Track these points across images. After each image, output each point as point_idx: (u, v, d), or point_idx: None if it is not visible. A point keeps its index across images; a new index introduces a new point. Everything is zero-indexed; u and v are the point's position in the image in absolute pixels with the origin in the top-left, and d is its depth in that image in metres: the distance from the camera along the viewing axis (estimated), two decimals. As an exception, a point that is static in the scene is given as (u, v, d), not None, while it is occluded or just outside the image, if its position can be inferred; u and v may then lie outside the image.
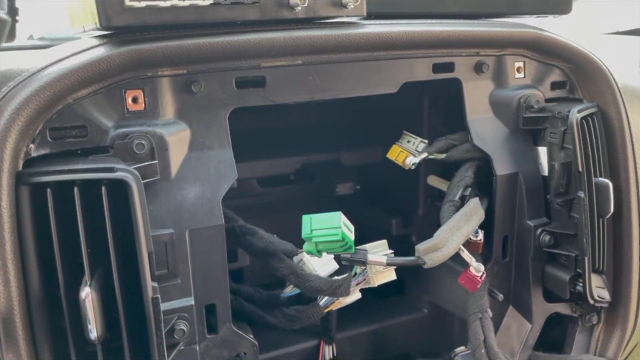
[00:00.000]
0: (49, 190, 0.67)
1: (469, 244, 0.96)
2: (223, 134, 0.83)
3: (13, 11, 0.80)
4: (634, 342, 1.15)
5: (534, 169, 1.03)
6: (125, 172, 0.68)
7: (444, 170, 1.16)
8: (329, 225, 0.79)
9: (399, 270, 0.88)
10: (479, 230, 0.97)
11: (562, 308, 1.08)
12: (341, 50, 0.88)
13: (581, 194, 0.95)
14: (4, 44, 0.87)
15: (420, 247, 0.84)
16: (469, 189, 0.99)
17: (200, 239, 0.79)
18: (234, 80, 0.83)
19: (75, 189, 0.67)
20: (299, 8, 0.81)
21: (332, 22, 0.89)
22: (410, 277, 1.27)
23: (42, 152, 0.72)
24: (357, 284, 0.88)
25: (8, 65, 0.75)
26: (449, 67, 0.98)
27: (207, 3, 0.76)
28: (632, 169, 1.03)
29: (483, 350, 0.96)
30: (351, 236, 0.81)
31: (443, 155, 1.03)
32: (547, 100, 1.04)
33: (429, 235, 0.87)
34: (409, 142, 1.06)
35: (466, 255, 0.91)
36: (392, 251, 0.86)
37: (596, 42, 1.17)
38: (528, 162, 1.03)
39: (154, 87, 0.78)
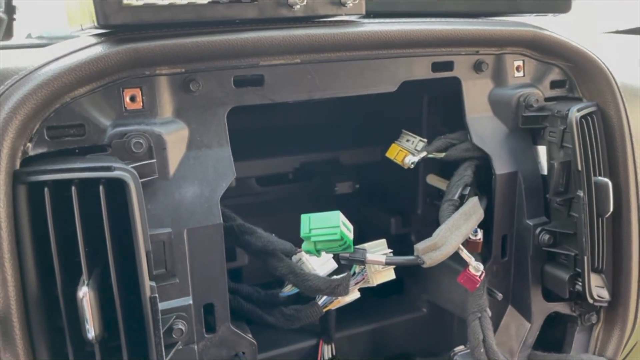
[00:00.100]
0: (46, 189, 0.67)
1: (468, 243, 0.96)
2: (221, 132, 0.83)
3: (10, 9, 0.80)
4: (633, 341, 1.15)
5: (533, 168, 1.03)
6: (123, 171, 0.68)
7: (443, 170, 1.16)
8: (328, 225, 0.79)
9: (398, 269, 0.88)
10: (478, 230, 0.97)
11: (562, 307, 1.08)
12: (340, 49, 0.87)
13: (580, 193, 0.95)
14: (2, 43, 0.87)
15: (420, 246, 0.84)
16: (468, 188, 0.98)
17: (198, 238, 0.79)
18: (232, 79, 0.83)
19: (73, 188, 0.67)
20: (298, 6, 0.81)
21: (331, 21, 0.89)
22: (409, 276, 1.27)
23: (40, 151, 0.72)
24: (356, 283, 0.88)
25: (5, 64, 0.75)
26: (448, 65, 0.97)
27: (205, 1, 0.76)
28: (631, 168, 1.03)
29: (482, 350, 0.96)
30: (350, 235, 0.81)
31: (442, 154, 1.03)
32: (547, 99, 1.04)
33: (428, 234, 0.87)
34: (408, 141, 1.06)
35: (465, 254, 0.91)
36: (391, 250, 0.86)
37: (596, 41, 1.16)
38: (527, 161, 1.02)
39: (152, 86, 0.78)
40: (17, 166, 0.69)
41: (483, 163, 1.02)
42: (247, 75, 0.84)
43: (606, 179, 0.96)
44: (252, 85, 0.84)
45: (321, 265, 0.88)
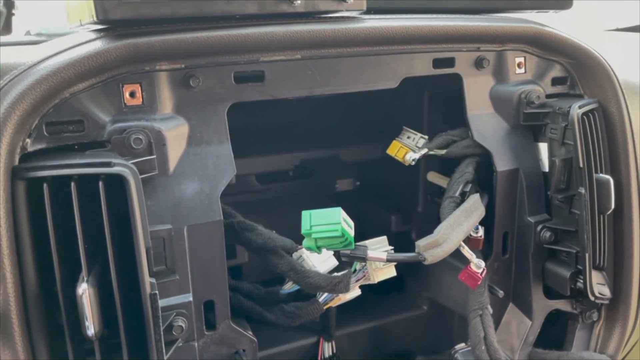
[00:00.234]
0: (45, 185, 0.66)
1: (469, 240, 0.95)
2: (221, 129, 0.82)
3: (9, 3, 0.79)
4: (634, 340, 1.15)
5: (535, 165, 1.02)
6: (122, 167, 0.67)
7: (443, 167, 1.15)
8: (329, 221, 0.78)
9: (399, 267, 0.87)
10: (479, 227, 0.97)
11: (563, 305, 1.07)
12: (341, 45, 0.87)
13: (582, 190, 0.95)
14: (0, 39, 0.87)
15: (421, 243, 0.84)
16: (469, 185, 0.98)
17: (198, 234, 0.79)
18: (232, 74, 0.82)
19: (72, 184, 0.66)
20: (299, 2, 0.80)
21: (331, 17, 0.88)
22: (410, 274, 1.26)
23: (39, 146, 0.71)
24: (357, 281, 0.87)
25: (4, 59, 0.74)
26: (449, 62, 0.97)
27: (205, -4, 0.75)
28: (632, 165, 1.02)
29: (483, 347, 0.95)
30: (351, 232, 0.80)
31: (443, 151, 1.03)
32: (548, 96, 1.03)
33: (429, 232, 0.86)
34: (409, 138, 1.05)
35: (466, 251, 0.90)
36: (392, 247, 0.85)
37: (597, 38, 1.16)
38: (528, 158, 1.02)
39: (152, 82, 0.77)
40: (16, 162, 0.69)
41: (484, 160, 1.01)
42: (247, 71, 0.83)
43: (608, 176, 0.96)
44: (252, 81, 0.84)
45: (322, 262, 0.88)
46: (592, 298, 0.99)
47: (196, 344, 0.82)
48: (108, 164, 0.67)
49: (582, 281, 0.98)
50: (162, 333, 0.69)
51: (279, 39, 0.81)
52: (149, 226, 0.70)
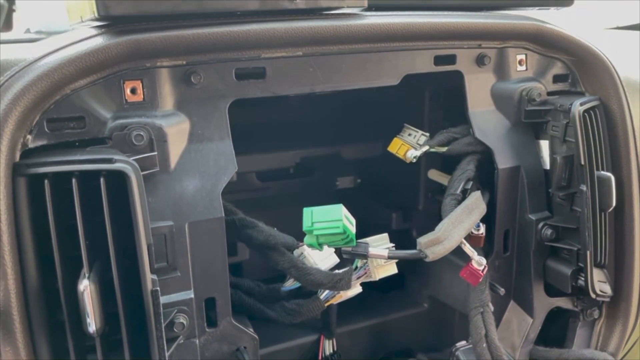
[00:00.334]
0: (46, 181, 0.66)
1: (470, 238, 0.95)
2: (223, 125, 0.82)
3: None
4: (635, 337, 1.15)
5: (536, 163, 1.02)
6: (124, 163, 0.67)
7: (444, 165, 1.15)
8: (330, 218, 0.78)
9: (400, 264, 0.87)
10: (481, 224, 0.97)
11: (564, 302, 1.07)
12: (342, 42, 0.87)
13: (583, 188, 0.94)
14: (0, 36, 0.86)
15: (422, 240, 0.84)
16: (471, 183, 0.98)
17: (200, 231, 0.79)
18: (233, 71, 0.82)
19: (73, 180, 0.66)
20: (300, -2, 0.80)
21: (333, 13, 0.88)
22: (411, 271, 1.26)
23: (40, 143, 0.71)
24: (358, 278, 0.87)
25: (5, 56, 0.74)
26: (451, 59, 0.97)
27: (206, -8, 0.75)
28: (634, 163, 1.02)
29: (484, 345, 0.95)
30: (352, 229, 0.80)
31: (444, 149, 1.02)
32: (549, 93, 1.03)
33: (429, 230, 0.86)
34: (410, 135, 1.05)
35: (468, 248, 0.90)
36: (393, 245, 0.85)
37: (598, 36, 1.16)
38: (530, 155, 1.02)
39: (153, 78, 0.77)
40: (17, 158, 0.69)
41: (485, 157, 1.01)
42: (248, 68, 0.83)
43: (609, 174, 0.96)
44: (253, 78, 0.84)
45: (323, 259, 0.88)
46: (593, 296, 0.99)
47: (197, 341, 0.81)
48: (109, 160, 0.67)
49: (583, 279, 0.98)
50: (163, 330, 0.69)
51: (280, 35, 0.81)
52: (150, 223, 0.70)
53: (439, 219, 0.90)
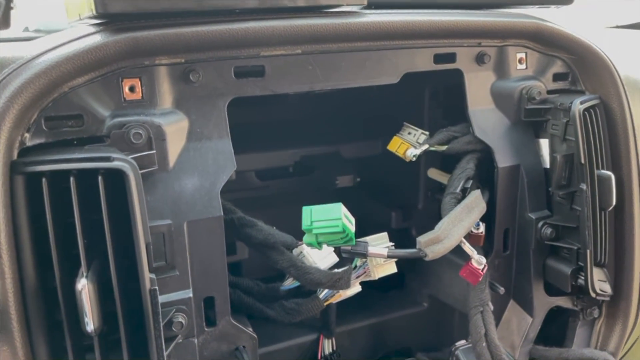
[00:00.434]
0: (44, 179, 0.66)
1: (470, 237, 0.95)
2: (222, 124, 0.82)
3: (8, -3, 0.79)
4: (635, 336, 1.14)
5: (536, 161, 1.02)
6: (122, 161, 0.67)
7: (444, 164, 1.15)
8: (330, 217, 0.78)
9: (399, 263, 0.87)
10: (481, 223, 0.96)
11: (563, 301, 1.07)
12: (342, 40, 0.86)
13: (583, 187, 0.94)
14: (-1, 34, 0.86)
15: (422, 239, 0.83)
16: (470, 181, 0.98)
17: (198, 230, 0.78)
18: (232, 69, 0.82)
19: (71, 179, 0.66)
20: (299, -4, 0.80)
21: (332, 11, 0.88)
22: (410, 270, 1.26)
23: (38, 141, 0.71)
24: (358, 277, 0.87)
25: (2, 53, 0.74)
26: (450, 57, 0.97)
27: (205, -10, 0.75)
28: (634, 162, 1.02)
29: (484, 344, 0.95)
30: (352, 228, 0.80)
31: (444, 147, 1.02)
32: (549, 92, 1.03)
33: (429, 228, 0.86)
34: (409, 133, 1.05)
35: (468, 247, 0.90)
36: (393, 244, 0.85)
37: (598, 35, 1.16)
38: (530, 154, 1.02)
39: (152, 76, 0.77)
40: (15, 156, 0.68)
41: (485, 156, 1.01)
42: (247, 66, 0.83)
43: (609, 172, 0.95)
44: (252, 76, 0.83)
45: (322, 258, 0.87)
46: (593, 295, 0.98)
47: (196, 340, 0.81)
48: (107, 159, 0.67)
49: (583, 278, 0.98)
50: (161, 329, 0.69)
51: (279, 33, 0.81)
52: (148, 221, 0.70)
53: (438, 217, 0.90)
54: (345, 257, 0.84)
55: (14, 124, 0.67)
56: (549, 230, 1.00)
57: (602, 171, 0.95)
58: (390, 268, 0.87)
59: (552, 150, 1.00)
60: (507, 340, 1.05)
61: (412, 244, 0.84)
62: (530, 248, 1.02)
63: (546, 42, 1.02)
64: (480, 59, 0.99)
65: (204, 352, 0.83)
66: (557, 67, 1.04)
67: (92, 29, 0.76)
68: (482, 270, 0.91)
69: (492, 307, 0.97)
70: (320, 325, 1.11)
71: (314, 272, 0.85)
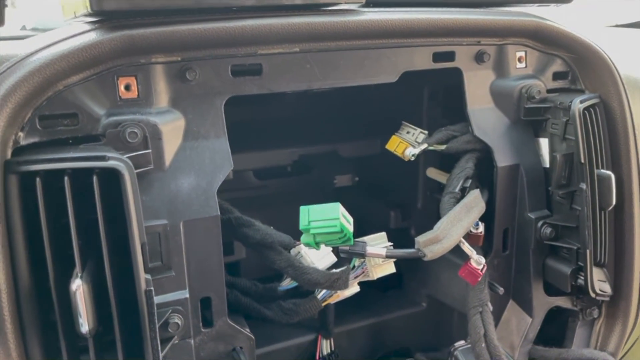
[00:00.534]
0: (38, 179, 0.65)
1: (469, 237, 0.94)
2: (218, 123, 0.81)
3: (2, -6, 0.78)
4: (635, 336, 1.14)
5: (535, 161, 1.01)
6: (117, 160, 0.66)
7: (443, 163, 1.14)
8: (328, 217, 0.77)
9: (398, 263, 0.86)
10: (480, 223, 0.96)
11: (563, 301, 1.06)
12: (340, 38, 0.86)
13: (583, 186, 0.94)
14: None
15: (421, 239, 0.83)
16: (470, 181, 0.97)
17: (195, 230, 0.78)
18: (229, 67, 0.81)
19: (66, 178, 0.65)
20: (297, -6, 0.79)
21: (330, 9, 0.87)
22: (409, 270, 1.25)
23: (32, 140, 0.70)
24: (356, 277, 0.86)
25: (-4, 52, 0.73)
26: (450, 56, 0.96)
27: (202, -13, 0.74)
28: (634, 161, 1.02)
29: (483, 345, 0.94)
30: (350, 228, 0.79)
31: (443, 147, 1.01)
32: (549, 91, 1.02)
33: (428, 228, 0.85)
34: (408, 133, 1.04)
35: (467, 247, 0.89)
36: (391, 244, 0.84)
37: (598, 34, 1.15)
38: (529, 153, 1.01)
39: (147, 75, 0.76)
40: (9, 156, 0.68)
41: (484, 155, 1.00)
42: (244, 65, 0.82)
43: (609, 172, 0.95)
44: (250, 75, 0.83)
45: (320, 258, 0.87)
46: (592, 295, 0.98)
47: (192, 341, 0.80)
48: (102, 158, 0.66)
49: (582, 278, 0.97)
50: (157, 330, 0.68)
51: (277, 31, 0.80)
52: (144, 221, 0.69)
53: (437, 217, 0.90)
54: (344, 257, 0.83)
55: (7, 122, 0.66)
56: (548, 230, 1.00)
57: (602, 170, 0.95)
58: (389, 268, 0.86)
59: (552, 150, 1.00)
60: (506, 341, 1.05)
61: (411, 244, 0.84)
62: (530, 248, 1.01)
63: (546, 40, 1.01)
64: (479, 58, 0.98)
65: (200, 353, 0.82)
66: (557, 66, 1.04)
67: (88, 27, 0.75)
68: (481, 270, 0.91)
69: (491, 307, 0.97)
70: (318, 326, 1.10)
71: (311, 272, 0.84)
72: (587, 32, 1.04)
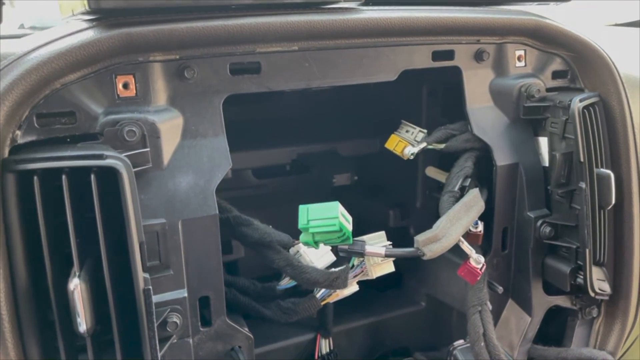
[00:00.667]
0: (35, 178, 0.65)
1: (468, 236, 0.94)
2: (217, 121, 0.81)
3: (-2, -9, 0.78)
4: (634, 335, 1.14)
5: (535, 160, 1.01)
6: (115, 159, 0.66)
7: (442, 162, 1.14)
8: (327, 216, 0.77)
9: (397, 262, 0.86)
10: (479, 222, 0.96)
11: (562, 301, 1.06)
12: (339, 36, 0.85)
13: (582, 185, 0.94)
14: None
15: (420, 238, 0.83)
16: (469, 180, 0.97)
17: (193, 229, 0.77)
18: (228, 66, 0.81)
19: (63, 177, 0.65)
20: (296, -8, 0.79)
21: (329, 7, 0.87)
22: (408, 270, 1.25)
23: (29, 138, 0.70)
24: (355, 276, 0.86)
25: (-7, 50, 0.73)
26: (449, 54, 0.96)
27: (200, -15, 0.74)
28: (633, 160, 1.01)
29: (482, 344, 0.94)
30: (349, 227, 0.79)
31: (442, 145, 1.01)
32: (548, 90, 1.02)
33: (427, 227, 0.85)
34: (407, 131, 1.04)
35: (466, 246, 0.89)
36: (390, 243, 0.84)
37: (597, 32, 1.15)
38: (528, 152, 1.01)
39: (146, 73, 0.76)
40: (6, 154, 0.67)
41: (483, 154, 1.00)
42: (243, 63, 0.82)
43: (608, 171, 0.95)
44: (248, 73, 0.82)
45: (319, 257, 0.87)
46: (592, 294, 0.98)
47: (191, 341, 0.80)
48: (100, 157, 0.66)
49: (582, 277, 0.97)
50: (156, 329, 0.68)
51: (275, 29, 0.80)
52: (142, 220, 0.69)
53: (436, 216, 0.89)
54: (343, 256, 0.83)
55: (4, 121, 0.66)
56: (547, 229, 1.00)
57: (602, 169, 0.95)
58: (388, 267, 0.86)
59: (551, 149, 1.00)
60: (505, 340, 1.05)
61: (410, 243, 0.84)
62: (529, 247, 1.01)
63: (545, 39, 1.01)
64: (478, 56, 0.98)
65: (199, 352, 0.82)
66: (557, 65, 1.03)
67: (85, 25, 0.75)
68: (481, 270, 0.90)
69: (490, 307, 0.96)
70: (317, 325, 1.10)
71: (310, 271, 0.84)
72: (586, 30, 1.04)
